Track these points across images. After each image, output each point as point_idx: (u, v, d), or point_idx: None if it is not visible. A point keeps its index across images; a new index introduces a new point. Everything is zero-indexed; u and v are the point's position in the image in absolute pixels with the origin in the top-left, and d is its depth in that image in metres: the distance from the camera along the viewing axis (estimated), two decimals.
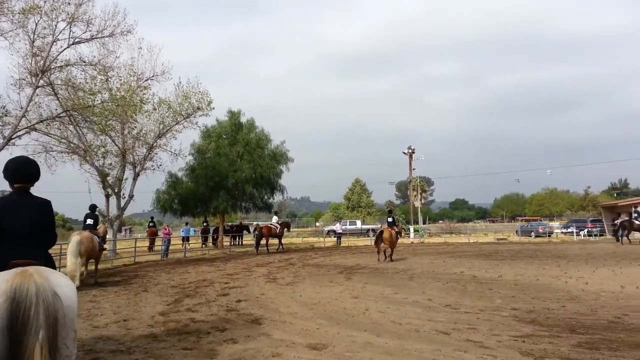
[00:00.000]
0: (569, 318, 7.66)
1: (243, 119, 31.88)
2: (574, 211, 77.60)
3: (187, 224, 31.48)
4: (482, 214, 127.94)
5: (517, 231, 43.50)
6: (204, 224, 35.31)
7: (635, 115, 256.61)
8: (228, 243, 32.04)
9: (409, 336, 6.71)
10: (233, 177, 28.43)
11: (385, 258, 19.21)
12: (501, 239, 37.81)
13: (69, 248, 12.25)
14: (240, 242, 34.44)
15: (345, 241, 35.43)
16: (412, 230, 44.17)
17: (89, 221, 13.97)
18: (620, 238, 27.51)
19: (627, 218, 29.16)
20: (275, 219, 28.59)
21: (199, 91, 25.31)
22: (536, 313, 8.11)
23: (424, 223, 59.66)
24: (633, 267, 14.97)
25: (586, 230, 37.55)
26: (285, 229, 28.24)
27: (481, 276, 13.58)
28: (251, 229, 36.20)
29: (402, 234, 30.32)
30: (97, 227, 14.45)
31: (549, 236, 38.59)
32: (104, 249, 15.73)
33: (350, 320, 7.87)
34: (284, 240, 28.71)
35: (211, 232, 33.54)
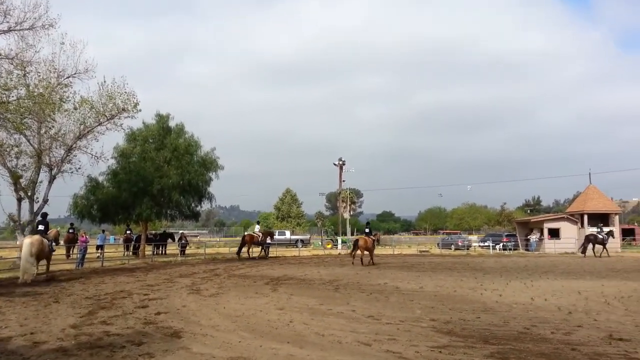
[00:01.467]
0: (483, 329, 8.05)
1: (172, 123, 30.69)
2: (490, 226, 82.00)
3: (103, 231, 29.87)
4: (407, 226, 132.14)
5: (438, 244, 45.38)
6: (127, 232, 33.74)
7: (546, 136, 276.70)
8: (150, 252, 30.78)
9: (331, 347, 6.76)
10: (159, 183, 27.35)
11: (362, 263, 22.49)
12: (424, 251, 39.21)
13: (22, 250, 14.24)
14: (163, 252, 33.18)
15: (274, 252, 35.21)
16: (340, 241, 44.78)
17: (41, 227, 15.91)
18: (585, 251, 30.55)
19: (592, 232, 32.61)
20: (257, 227, 30.84)
21: (125, 92, 24.08)
22: (453, 324, 8.46)
23: (352, 234, 60.66)
24: (542, 280, 16.05)
25: (501, 244, 39.81)
26: (269, 238, 31.02)
27: (403, 287, 13.98)
28: (176, 238, 35.10)
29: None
30: (49, 231, 16.62)
31: (468, 249, 40.41)
32: (54, 251, 17.74)
33: (273, 332, 7.80)
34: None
35: (134, 240, 32.11)
